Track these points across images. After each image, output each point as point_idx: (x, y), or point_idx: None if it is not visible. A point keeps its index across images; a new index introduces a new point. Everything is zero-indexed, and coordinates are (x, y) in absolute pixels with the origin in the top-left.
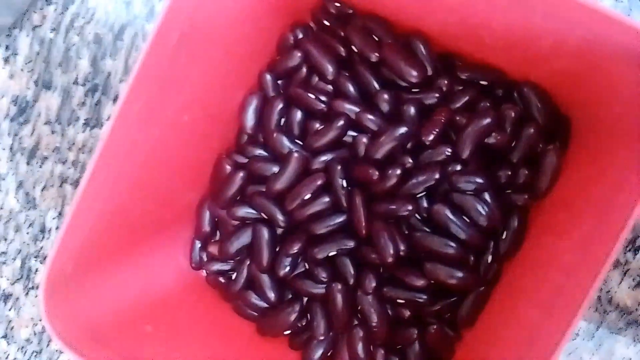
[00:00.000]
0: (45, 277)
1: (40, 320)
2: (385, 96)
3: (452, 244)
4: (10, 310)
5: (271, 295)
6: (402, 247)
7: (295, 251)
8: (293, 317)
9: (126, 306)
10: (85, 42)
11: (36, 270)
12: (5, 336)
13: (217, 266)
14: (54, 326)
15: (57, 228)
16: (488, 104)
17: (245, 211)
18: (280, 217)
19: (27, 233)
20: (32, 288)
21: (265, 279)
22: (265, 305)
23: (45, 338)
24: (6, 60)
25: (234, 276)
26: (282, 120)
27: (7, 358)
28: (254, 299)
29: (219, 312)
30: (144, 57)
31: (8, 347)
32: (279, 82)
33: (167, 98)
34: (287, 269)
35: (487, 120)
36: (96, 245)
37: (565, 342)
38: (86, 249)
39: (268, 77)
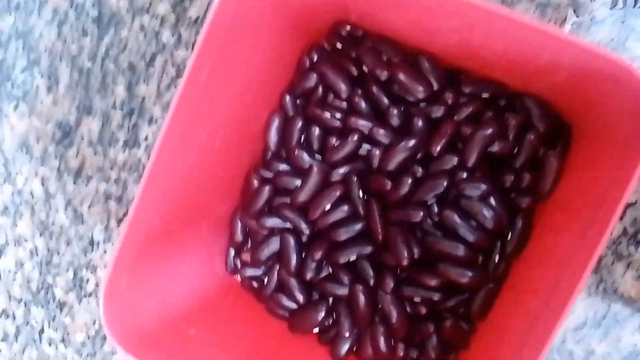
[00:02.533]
0: (104, 292)
1: (94, 324)
2: (395, 111)
3: (462, 246)
4: (65, 316)
5: (300, 296)
6: (416, 250)
7: (320, 256)
8: (320, 316)
9: (172, 312)
10: (120, 70)
11: (87, 280)
12: (63, 340)
13: (250, 271)
14: (114, 333)
15: (104, 241)
16: (491, 115)
17: (273, 221)
18: (304, 226)
19: (78, 246)
20: (85, 296)
21: (293, 282)
22: (295, 305)
23: (98, 341)
24: (49, 89)
25: (265, 280)
26: (303, 137)
27: (65, 359)
28: (285, 300)
29: (254, 312)
30: (179, 95)
31: (66, 350)
32: (298, 101)
33: (200, 127)
34: (313, 272)
35: (490, 130)
36: (144, 259)
37: (559, 328)
38: (136, 264)
39: (288, 98)
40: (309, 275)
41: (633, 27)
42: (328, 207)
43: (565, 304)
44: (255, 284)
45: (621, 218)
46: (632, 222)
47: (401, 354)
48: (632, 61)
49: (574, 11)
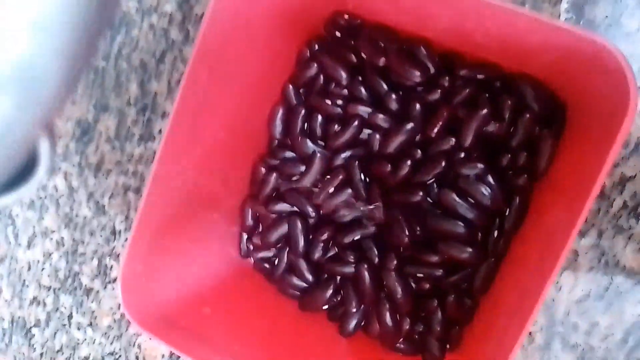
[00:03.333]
0: (121, 277)
1: (119, 309)
2: (394, 96)
3: (461, 224)
4: (92, 302)
5: (308, 276)
6: (416, 229)
7: (325, 238)
8: (328, 294)
9: (187, 294)
10: (133, 68)
11: (111, 267)
12: (90, 324)
13: (261, 254)
14: (133, 315)
15: (125, 230)
16: (486, 96)
17: (280, 206)
18: (310, 209)
19: (101, 236)
20: (109, 282)
21: (302, 263)
22: (304, 285)
23: (123, 324)
24: None
25: (276, 262)
26: (305, 125)
27: (93, 342)
28: (295, 281)
29: (266, 293)
30: (180, 95)
31: (94, 334)
32: (301, 91)
33: (204, 123)
34: (320, 253)
35: (485, 111)
36: (158, 246)
37: (545, 295)
38: (151, 250)
39: (290, 88)
40: (316, 256)
41: (627, 4)
42: (331, 190)
43: (546, 279)
44: (266, 266)
45: (621, 192)
46: (631, 195)
47: (407, 328)
48: (626, 37)
49: None
